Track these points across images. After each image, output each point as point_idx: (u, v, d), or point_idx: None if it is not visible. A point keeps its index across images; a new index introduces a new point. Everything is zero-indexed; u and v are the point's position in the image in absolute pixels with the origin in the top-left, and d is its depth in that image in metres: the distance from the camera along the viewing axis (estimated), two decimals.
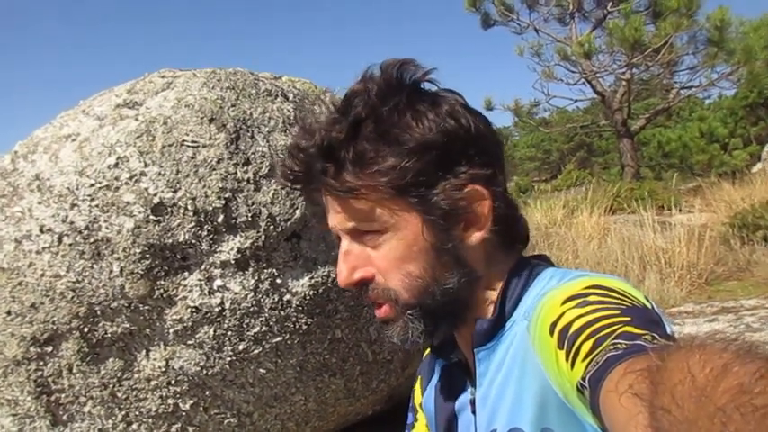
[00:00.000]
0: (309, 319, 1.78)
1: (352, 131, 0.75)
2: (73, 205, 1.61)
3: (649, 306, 0.68)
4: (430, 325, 0.80)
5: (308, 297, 1.76)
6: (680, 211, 7.36)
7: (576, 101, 14.42)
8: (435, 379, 1.00)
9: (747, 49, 10.35)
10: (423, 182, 0.76)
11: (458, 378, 0.92)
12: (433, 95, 0.80)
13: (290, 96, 1.91)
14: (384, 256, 0.79)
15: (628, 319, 0.61)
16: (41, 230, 1.63)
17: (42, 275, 1.63)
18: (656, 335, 0.57)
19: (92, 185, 1.61)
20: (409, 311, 0.79)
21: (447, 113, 0.77)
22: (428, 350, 1.05)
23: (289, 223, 1.71)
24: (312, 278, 1.76)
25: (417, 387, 1.06)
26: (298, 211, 1.72)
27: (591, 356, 0.59)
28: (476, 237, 0.81)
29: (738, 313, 3.63)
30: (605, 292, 0.69)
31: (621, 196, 8.95)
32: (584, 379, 0.58)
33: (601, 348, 0.58)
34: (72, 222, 1.61)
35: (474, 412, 0.85)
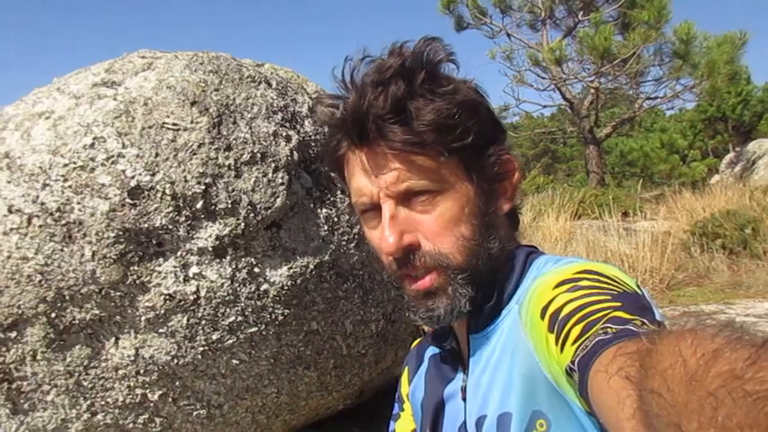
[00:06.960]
0: (286, 310, 1.75)
1: (416, 89, 0.75)
2: (45, 185, 1.55)
3: (640, 292, 0.68)
4: (476, 291, 0.79)
5: (285, 287, 1.73)
6: (644, 217, 7.53)
7: (545, 106, 14.68)
8: (424, 368, 0.99)
9: (711, 63, 10.65)
10: (480, 145, 0.79)
11: (449, 365, 0.91)
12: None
13: (273, 84, 1.87)
14: (437, 219, 0.77)
15: (618, 304, 0.62)
16: (9, 210, 1.56)
17: (9, 257, 1.56)
18: (645, 320, 0.58)
19: (65, 165, 1.55)
20: (460, 276, 0.78)
21: (475, 88, 0.81)
22: (417, 340, 1.05)
23: (269, 212, 1.68)
24: (291, 268, 1.73)
25: (404, 378, 1.05)
26: (279, 200, 1.69)
27: (580, 340, 0.59)
28: (505, 208, 0.84)
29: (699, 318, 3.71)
30: (597, 277, 0.69)
31: (586, 202, 9.11)
32: (572, 362, 0.59)
33: (590, 333, 0.58)
34: (43, 203, 1.55)
35: (464, 399, 0.85)
